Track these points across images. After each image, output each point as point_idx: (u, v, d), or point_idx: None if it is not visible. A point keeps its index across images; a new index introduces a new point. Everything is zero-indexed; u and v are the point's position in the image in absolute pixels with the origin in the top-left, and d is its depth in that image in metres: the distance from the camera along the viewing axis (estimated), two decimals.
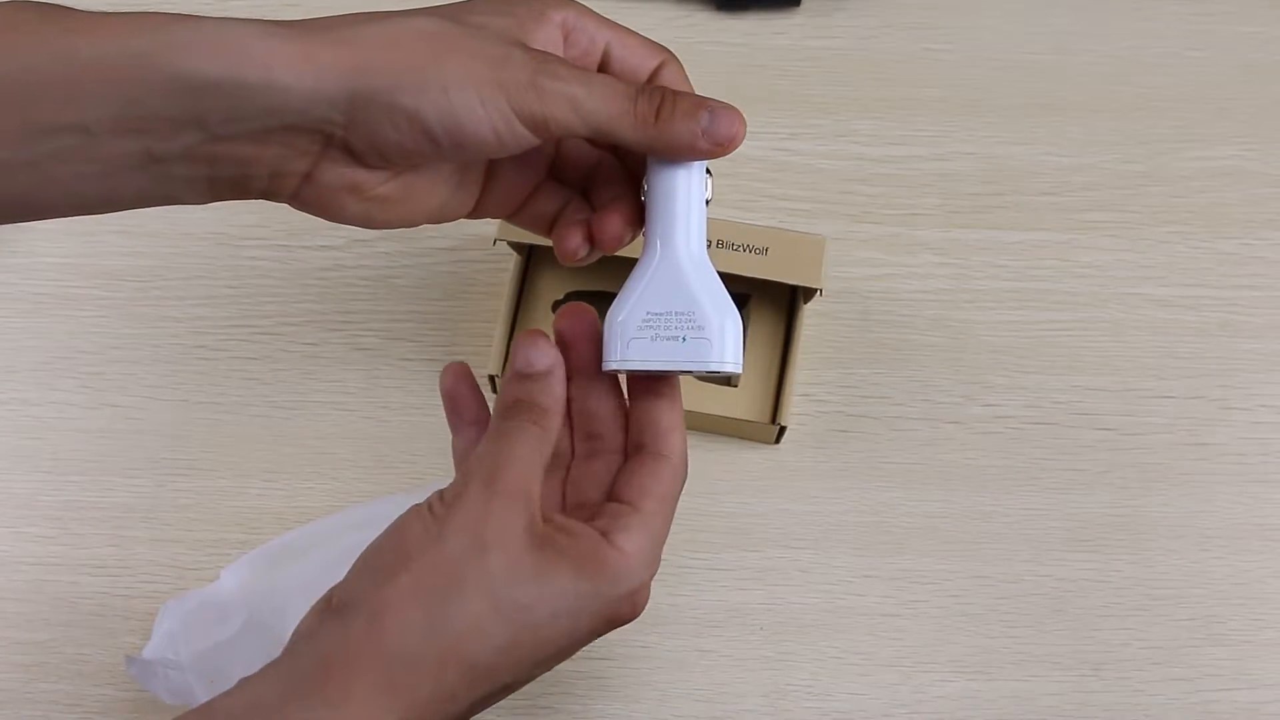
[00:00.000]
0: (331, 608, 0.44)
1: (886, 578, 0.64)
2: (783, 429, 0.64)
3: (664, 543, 0.47)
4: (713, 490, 0.65)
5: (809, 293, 0.64)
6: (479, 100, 0.42)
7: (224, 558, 0.63)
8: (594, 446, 0.49)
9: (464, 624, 0.42)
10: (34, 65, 0.40)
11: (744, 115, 0.45)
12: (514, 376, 0.47)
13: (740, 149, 0.72)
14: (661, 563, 0.63)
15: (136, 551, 0.64)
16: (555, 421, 0.47)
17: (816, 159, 0.73)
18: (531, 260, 0.68)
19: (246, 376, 0.68)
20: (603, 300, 0.67)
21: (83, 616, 0.63)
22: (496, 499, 0.44)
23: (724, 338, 0.46)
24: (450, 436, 0.51)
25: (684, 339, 0.46)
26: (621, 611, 0.46)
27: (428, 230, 0.70)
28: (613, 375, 0.49)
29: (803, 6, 0.77)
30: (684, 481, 0.48)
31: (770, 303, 0.68)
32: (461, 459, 0.50)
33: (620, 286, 0.67)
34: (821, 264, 0.63)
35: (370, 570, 0.44)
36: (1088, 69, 0.76)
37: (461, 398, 0.50)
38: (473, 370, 0.67)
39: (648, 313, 0.47)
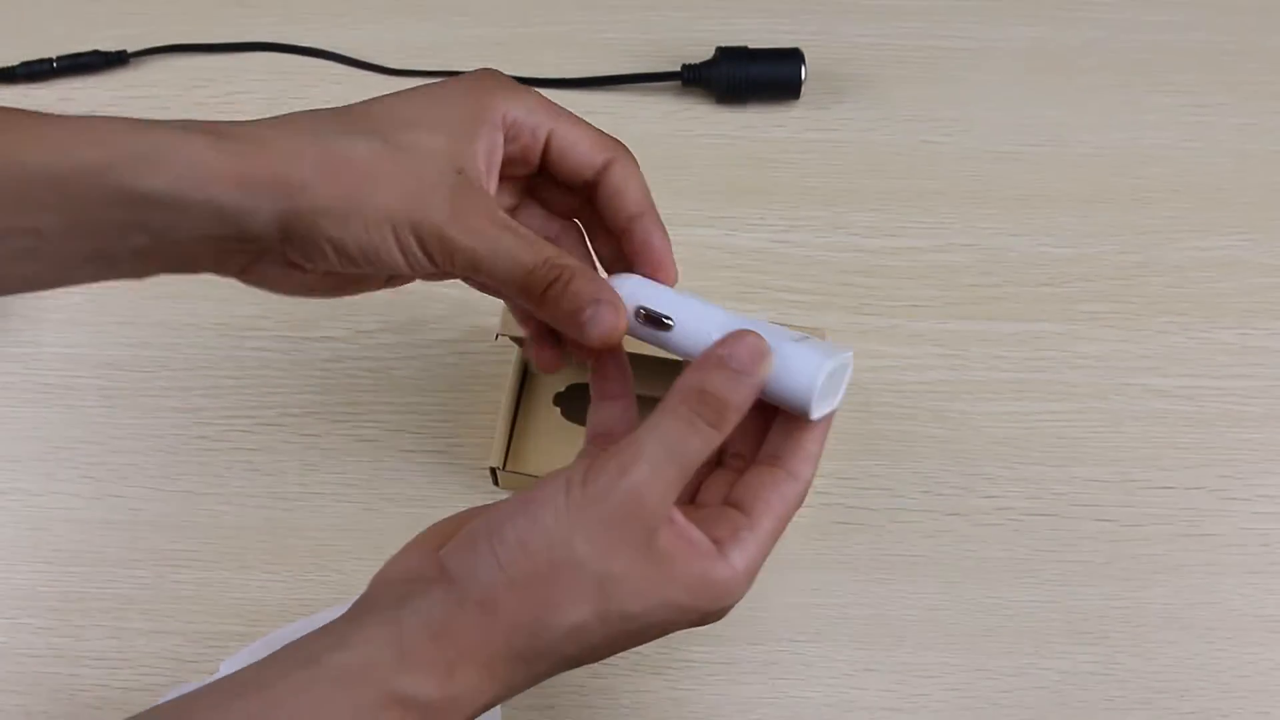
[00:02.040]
0: (445, 574, 0.45)
1: (888, 670, 0.65)
2: None
3: (767, 557, 0.48)
4: None
5: None
6: (394, 239, 0.47)
7: (223, 650, 0.65)
8: (728, 459, 0.51)
9: (569, 629, 0.44)
10: None
11: (620, 313, 0.48)
12: (714, 364, 0.45)
13: (740, 241, 0.76)
14: (661, 656, 0.65)
15: (136, 644, 0.66)
16: (730, 428, 0.46)
17: (815, 250, 0.75)
18: None
19: (249, 467, 0.69)
20: None
21: (82, 709, 0.64)
22: (637, 513, 0.44)
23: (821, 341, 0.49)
24: None
25: (807, 338, 0.48)
26: (710, 619, 0.47)
27: (429, 323, 0.72)
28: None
29: (802, 99, 0.80)
30: (802, 502, 0.49)
31: None
32: (594, 434, 0.52)
33: None
34: None
35: (490, 548, 0.44)
36: (1084, 161, 0.79)
37: (610, 370, 0.51)
38: (473, 463, 0.69)
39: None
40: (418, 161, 0.47)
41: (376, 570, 0.66)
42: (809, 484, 0.49)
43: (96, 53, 0.81)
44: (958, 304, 0.74)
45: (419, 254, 0.47)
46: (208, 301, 0.74)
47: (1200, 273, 0.75)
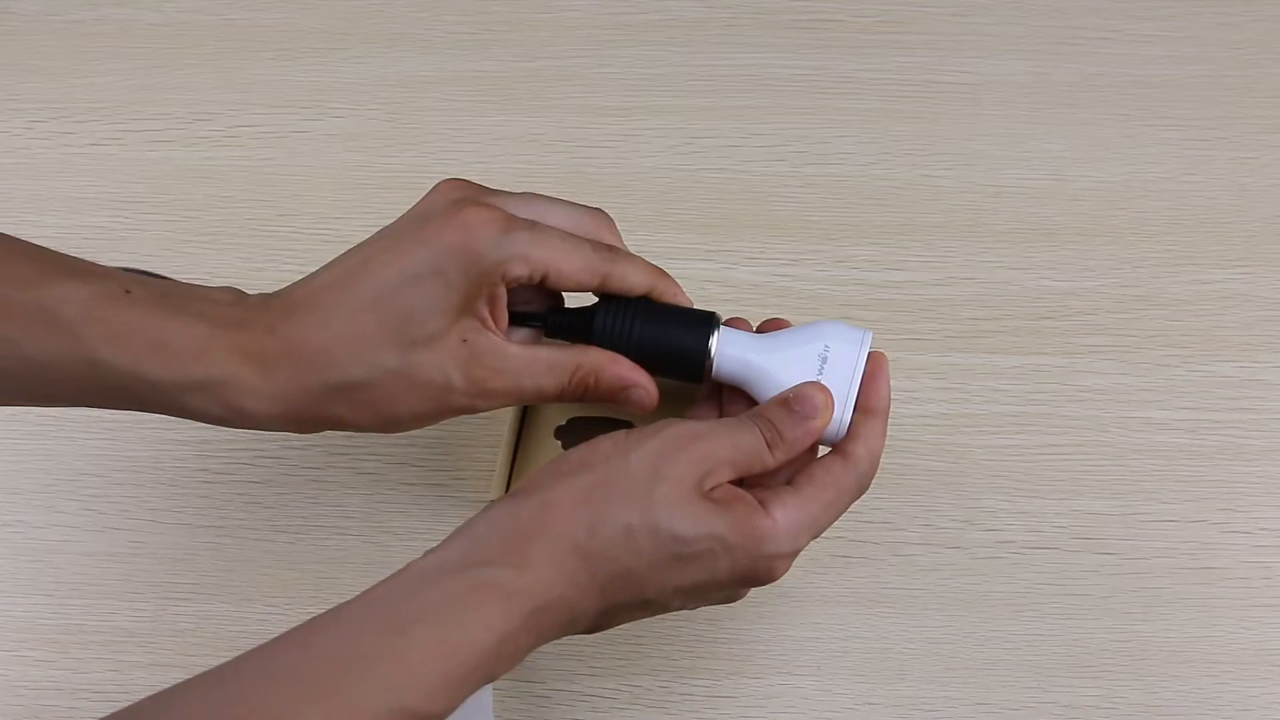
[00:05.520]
0: (510, 494, 0.51)
1: (889, 705, 0.66)
2: None
3: (820, 531, 0.53)
4: (714, 616, 0.67)
5: None
6: (430, 423, 0.54)
7: None
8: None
9: (621, 532, 0.49)
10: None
11: (650, 390, 0.55)
12: (781, 406, 0.53)
13: (741, 275, 0.77)
14: (662, 690, 0.65)
15: (136, 677, 0.66)
16: (783, 460, 0.53)
17: (816, 285, 0.76)
18: None
19: (250, 500, 0.70)
20: (606, 426, 0.70)
21: None
22: (688, 453, 0.51)
23: (833, 334, 0.55)
24: None
25: (826, 358, 0.54)
26: (759, 572, 0.52)
27: None
28: None
29: (803, 133, 0.80)
30: (861, 486, 0.54)
31: None
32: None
33: (619, 413, 0.70)
34: None
35: (553, 470, 0.51)
36: (1084, 194, 0.80)
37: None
38: (474, 496, 0.69)
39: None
40: (432, 361, 0.52)
41: None
42: (866, 461, 0.53)
43: None
44: (958, 337, 0.75)
45: (462, 415, 0.54)
46: None
47: (1200, 306, 0.76)
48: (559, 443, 0.69)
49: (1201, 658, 0.67)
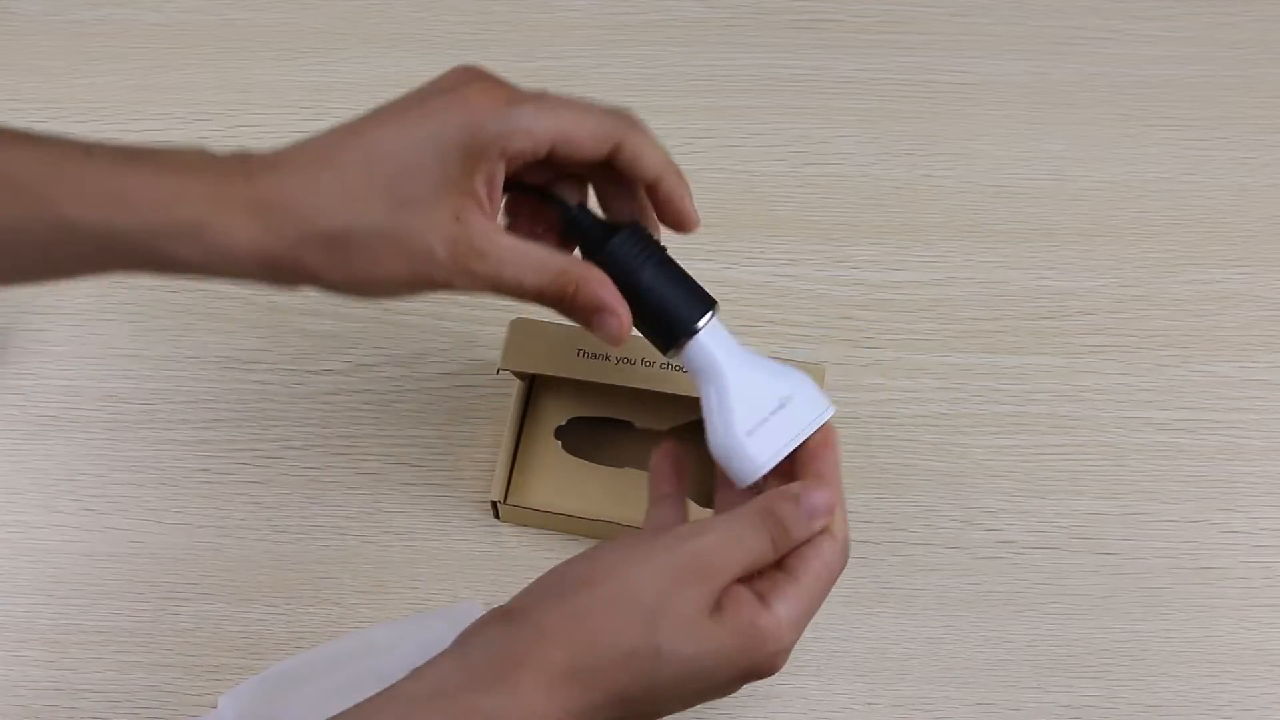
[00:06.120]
0: (507, 612, 0.50)
1: (889, 704, 0.66)
2: None
3: (814, 614, 0.52)
4: None
5: None
6: (408, 293, 0.51)
7: (223, 684, 0.65)
8: None
9: (622, 656, 0.48)
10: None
11: (623, 319, 0.52)
12: (792, 502, 0.52)
13: (741, 275, 0.77)
14: None
15: (135, 677, 0.66)
16: (785, 550, 0.51)
17: (817, 284, 0.76)
18: (534, 387, 0.70)
19: (249, 500, 0.70)
20: (606, 426, 0.70)
21: None
22: (702, 585, 0.49)
23: (803, 390, 0.54)
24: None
25: (785, 405, 0.54)
26: (762, 669, 0.51)
27: (431, 356, 0.73)
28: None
29: (803, 133, 0.80)
30: (845, 559, 0.53)
31: None
32: (650, 529, 0.56)
33: (619, 413, 0.70)
34: None
35: (550, 585, 0.50)
36: (1084, 194, 0.80)
37: (664, 473, 0.58)
38: (474, 497, 0.69)
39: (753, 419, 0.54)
40: (418, 226, 0.49)
41: (376, 602, 0.67)
42: (846, 537, 0.53)
43: None
44: (958, 337, 0.75)
45: (435, 292, 0.51)
46: (210, 334, 0.75)
47: (1200, 306, 0.76)
48: (559, 443, 0.69)
49: (1201, 658, 0.67)
